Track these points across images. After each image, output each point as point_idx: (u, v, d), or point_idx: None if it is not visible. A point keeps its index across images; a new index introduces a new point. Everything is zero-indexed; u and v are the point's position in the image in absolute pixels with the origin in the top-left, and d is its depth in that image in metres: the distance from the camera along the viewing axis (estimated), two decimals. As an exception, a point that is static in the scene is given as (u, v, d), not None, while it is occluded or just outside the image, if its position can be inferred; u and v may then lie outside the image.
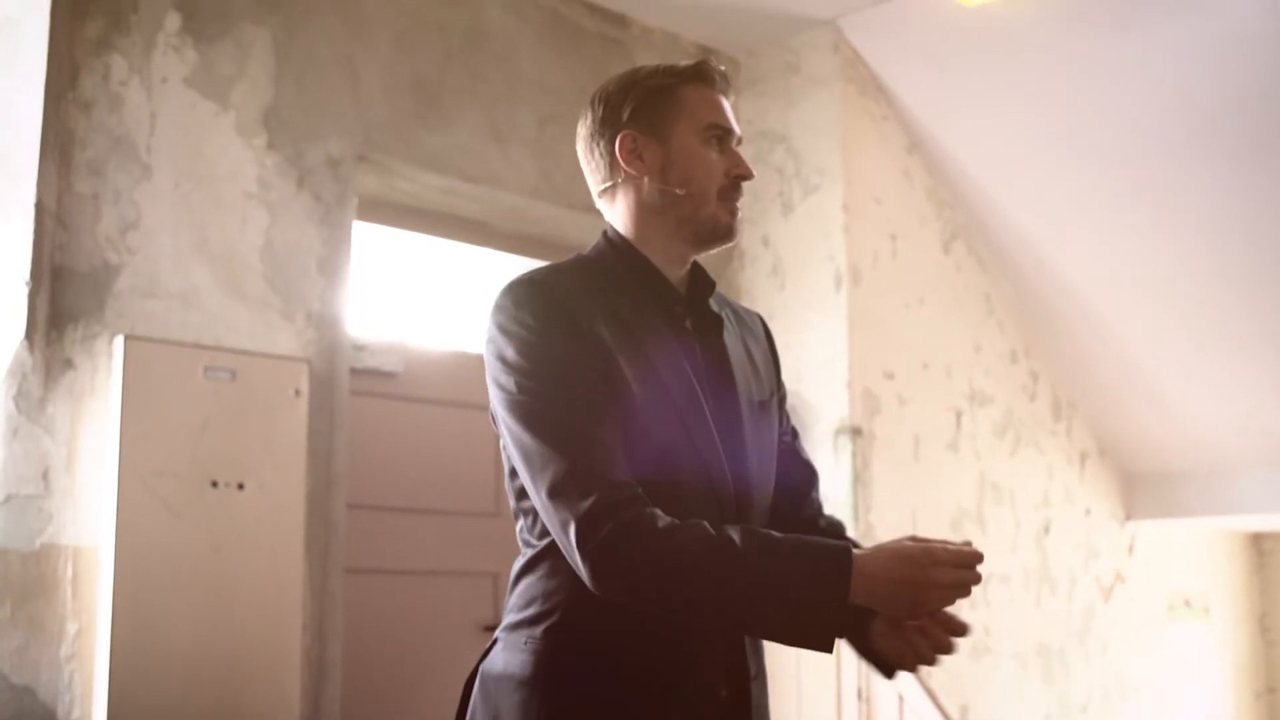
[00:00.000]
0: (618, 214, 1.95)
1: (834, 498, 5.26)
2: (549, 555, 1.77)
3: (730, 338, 1.98)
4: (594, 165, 1.96)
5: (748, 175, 1.92)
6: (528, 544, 1.85)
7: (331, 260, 4.40)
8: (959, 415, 5.91)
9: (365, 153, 4.53)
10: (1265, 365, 6.00)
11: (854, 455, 5.29)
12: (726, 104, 1.94)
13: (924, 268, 5.85)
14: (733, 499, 1.79)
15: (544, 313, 1.74)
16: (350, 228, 4.48)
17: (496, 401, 1.78)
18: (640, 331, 1.80)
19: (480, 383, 1.91)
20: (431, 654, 4.58)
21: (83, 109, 3.85)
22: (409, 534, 4.66)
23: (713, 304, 1.98)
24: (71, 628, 3.63)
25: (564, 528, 1.63)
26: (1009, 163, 5.74)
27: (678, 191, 1.88)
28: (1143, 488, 6.96)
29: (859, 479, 5.30)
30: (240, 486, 4.00)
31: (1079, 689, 6.42)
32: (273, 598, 4.03)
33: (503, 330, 1.77)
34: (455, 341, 4.98)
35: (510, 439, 1.76)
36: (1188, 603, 7.59)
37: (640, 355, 1.77)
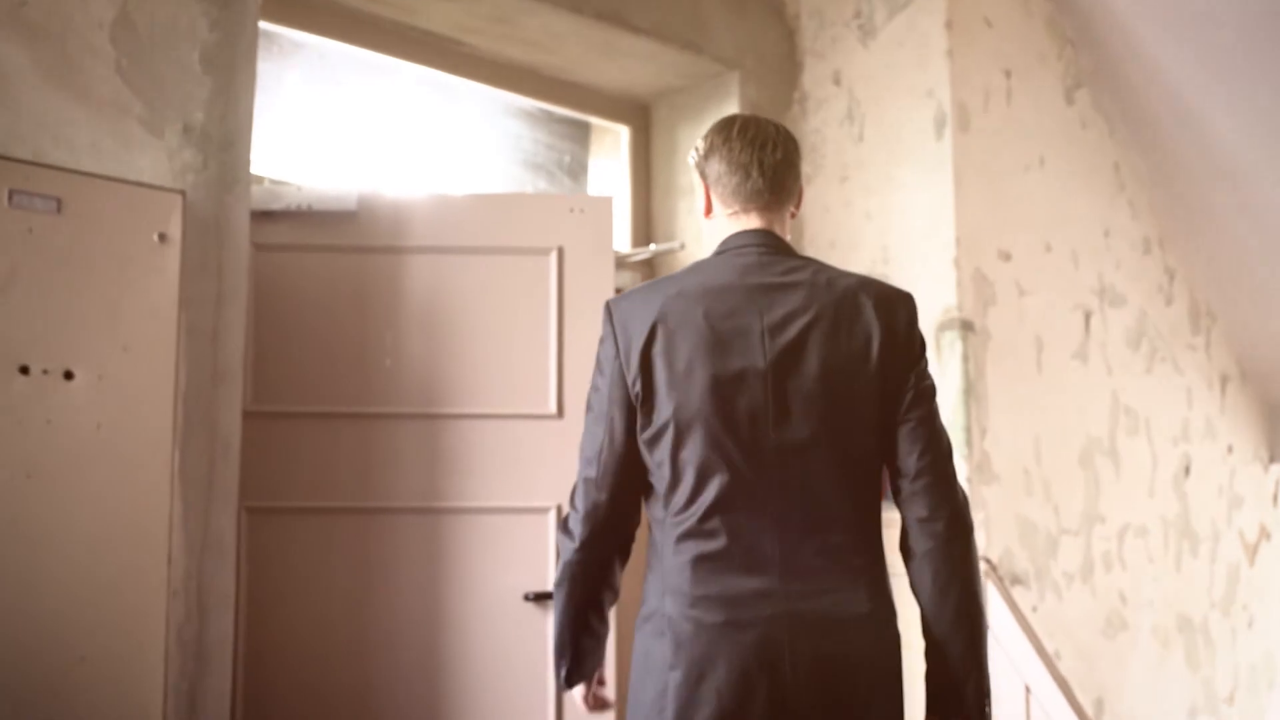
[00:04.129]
0: (787, 228, 2.11)
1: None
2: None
3: None
4: (796, 189, 2.13)
5: None
6: None
7: (225, 54, 2.97)
8: (1088, 316, 4.48)
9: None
10: None
11: (965, 358, 3.87)
12: None
13: (1044, 119, 4.40)
14: None
15: None
16: (253, 11, 3.04)
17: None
18: None
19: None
20: (378, 630, 3.15)
21: None
22: (356, 452, 3.22)
23: None
24: None
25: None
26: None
27: None
28: (1293, 421, 5.54)
29: (971, 390, 3.87)
30: (67, 376, 2.58)
31: (1224, 674, 5.01)
32: (121, 549, 2.62)
33: None
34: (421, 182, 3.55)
35: None
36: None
37: None
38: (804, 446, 1.90)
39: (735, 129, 2.06)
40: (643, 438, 1.95)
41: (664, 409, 1.92)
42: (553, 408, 3.25)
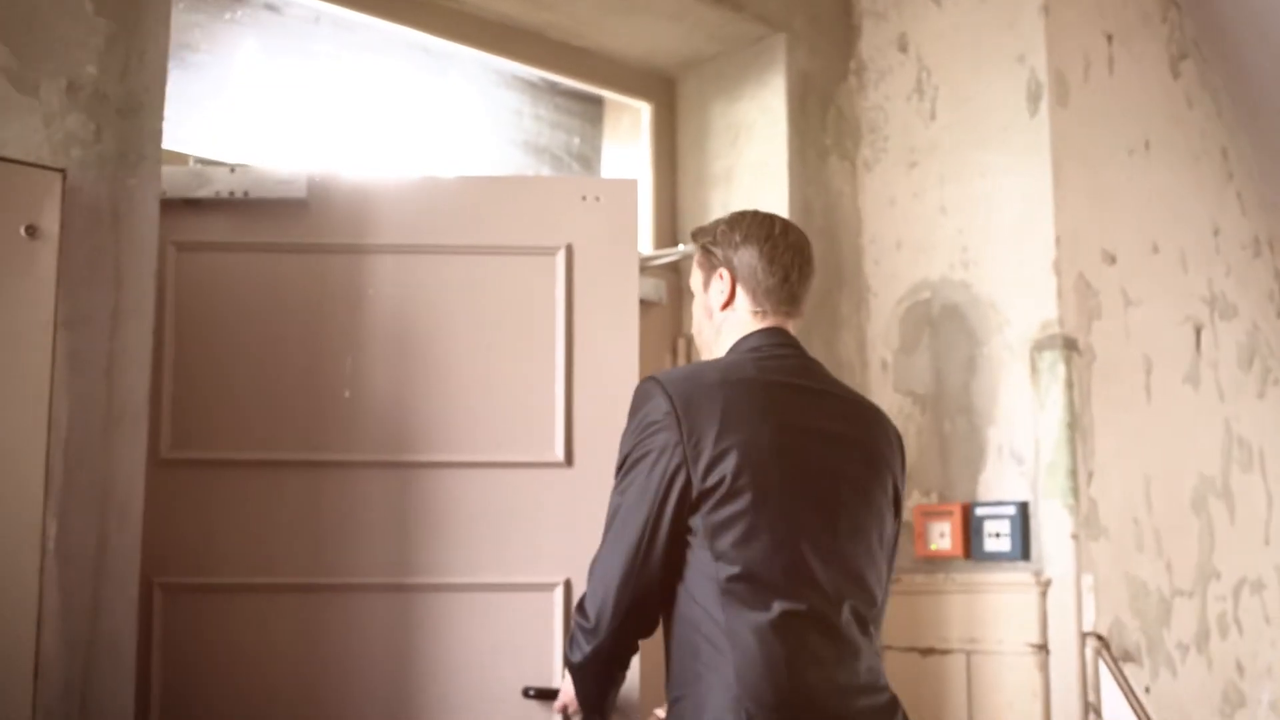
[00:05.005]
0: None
1: (1036, 457, 3.12)
2: None
3: None
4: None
5: None
6: None
7: (129, -7, 2.25)
8: (1198, 330, 3.75)
9: None
10: None
11: (1069, 384, 3.13)
12: None
13: (1149, 94, 3.68)
14: None
15: None
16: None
17: None
18: None
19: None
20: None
21: None
22: (307, 511, 2.47)
23: None
24: None
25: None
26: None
27: None
28: None
29: (1076, 424, 3.14)
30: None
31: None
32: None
33: None
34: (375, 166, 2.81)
35: None
36: None
37: None
38: (856, 552, 1.93)
39: (778, 228, 2.04)
40: (710, 527, 1.84)
41: (740, 502, 1.84)
42: (559, 454, 2.51)
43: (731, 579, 1.81)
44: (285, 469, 2.46)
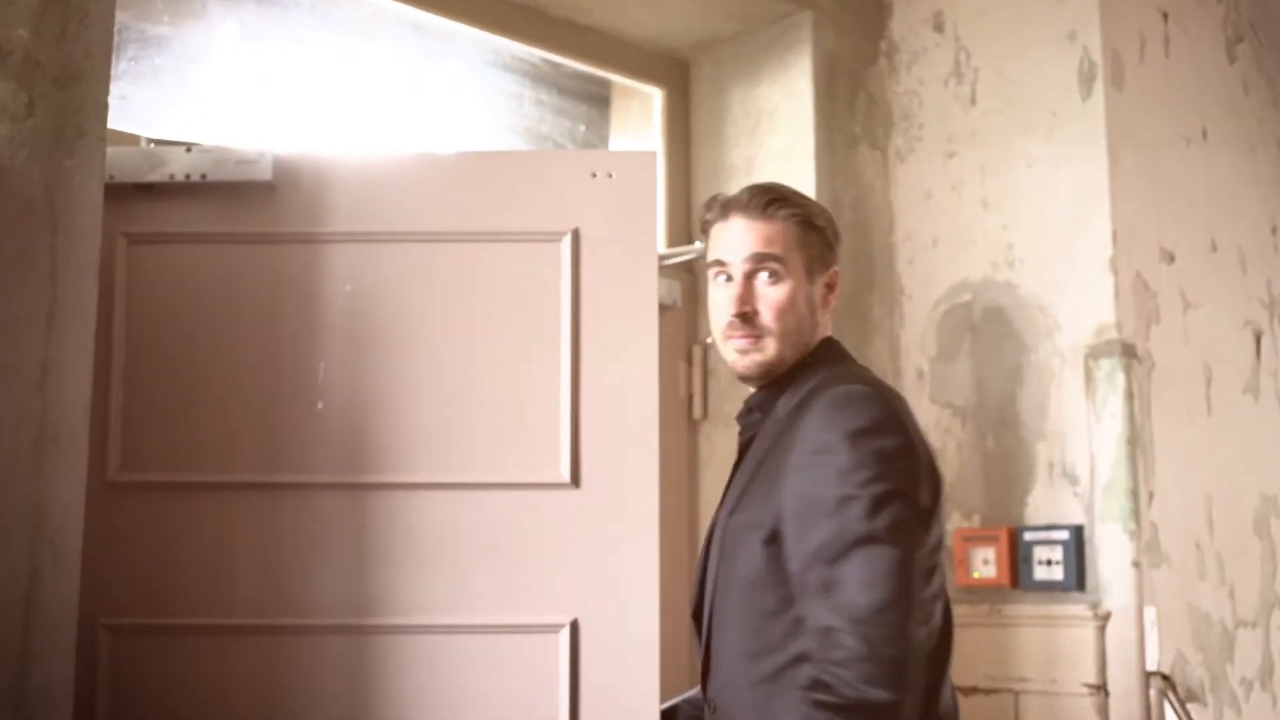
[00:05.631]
0: None
1: (1092, 476, 2.82)
2: None
3: (762, 445, 1.81)
4: None
5: (735, 310, 1.79)
6: None
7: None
8: (1258, 336, 3.45)
9: None
10: None
11: (1129, 395, 2.82)
12: (741, 226, 1.82)
13: (1206, 79, 3.38)
14: (700, 627, 1.86)
15: None
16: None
17: None
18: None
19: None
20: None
21: None
22: (268, 539, 2.15)
23: (782, 404, 1.81)
24: None
25: None
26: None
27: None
28: None
29: (1137, 439, 2.83)
30: None
31: None
32: None
33: None
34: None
35: None
36: None
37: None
38: None
39: None
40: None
41: (935, 534, 1.70)
42: (565, 473, 2.17)
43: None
44: (250, 493, 2.13)
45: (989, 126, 3.10)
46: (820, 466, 1.64)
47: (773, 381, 1.83)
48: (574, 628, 2.12)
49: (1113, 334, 2.84)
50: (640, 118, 3.35)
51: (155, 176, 2.12)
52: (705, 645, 1.82)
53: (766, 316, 1.79)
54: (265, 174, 2.11)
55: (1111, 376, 2.82)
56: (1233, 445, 3.25)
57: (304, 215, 2.17)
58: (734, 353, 1.83)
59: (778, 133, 3.17)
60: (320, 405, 2.15)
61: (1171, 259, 3.09)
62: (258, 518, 2.14)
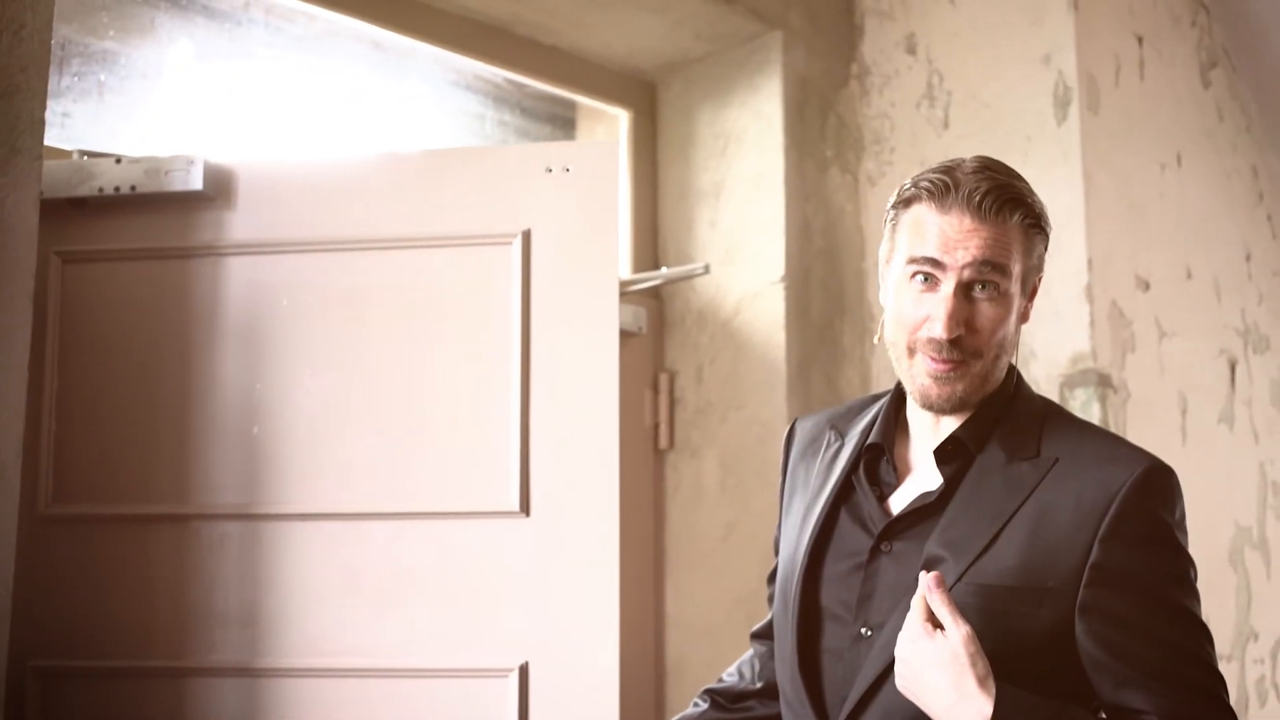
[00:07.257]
0: None
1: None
2: None
3: (990, 488, 1.50)
4: None
5: (947, 334, 1.47)
6: None
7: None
8: (1233, 365, 3.39)
9: None
10: None
11: (1104, 426, 2.76)
12: (966, 225, 1.48)
13: (1180, 104, 3.33)
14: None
15: None
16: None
17: None
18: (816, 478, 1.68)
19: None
20: None
21: None
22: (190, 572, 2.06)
23: (992, 452, 1.52)
24: None
25: None
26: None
27: (884, 340, 1.60)
28: None
29: (1112, 473, 2.76)
30: None
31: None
32: None
33: None
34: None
35: None
36: None
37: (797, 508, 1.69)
38: None
39: None
40: None
41: None
42: (514, 501, 2.06)
43: None
44: (190, 525, 2.05)
45: (962, 150, 3.01)
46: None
47: (972, 413, 1.54)
48: (523, 671, 2.01)
49: (1089, 363, 2.78)
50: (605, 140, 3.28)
51: (85, 190, 2.03)
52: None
53: (979, 340, 1.49)
54: (196, 183, 2.02)
55: (1087, 407, 2.76)
56: (1207, 476, 3.19)
57: (238, 225, 2.07)
58: (927, 378, 1.51)
59: (747, 156, 3.10)
60: (255, 430, 2.05)
61: (1147, 286, 3.04)
62: (196, 552, 2.05)
